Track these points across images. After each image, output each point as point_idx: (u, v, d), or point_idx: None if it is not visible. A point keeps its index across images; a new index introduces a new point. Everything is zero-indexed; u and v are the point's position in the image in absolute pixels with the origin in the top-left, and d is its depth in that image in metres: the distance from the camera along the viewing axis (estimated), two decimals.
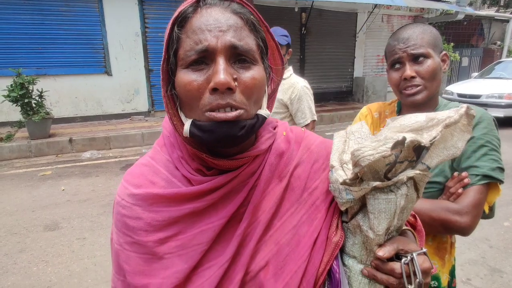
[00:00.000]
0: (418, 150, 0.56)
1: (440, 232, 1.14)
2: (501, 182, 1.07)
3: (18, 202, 4.19)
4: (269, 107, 0.68)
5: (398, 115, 1.31)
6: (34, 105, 6.20)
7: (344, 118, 9.16)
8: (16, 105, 6.10)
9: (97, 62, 7.84)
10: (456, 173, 1.09)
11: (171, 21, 0.59)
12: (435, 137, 0.54)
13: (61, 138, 6.33)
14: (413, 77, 1.13)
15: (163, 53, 0.60)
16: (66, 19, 7.35)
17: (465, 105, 0.57)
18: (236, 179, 0.63)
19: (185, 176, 0.65)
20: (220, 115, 0.56)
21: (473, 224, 1.03)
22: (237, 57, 0.58)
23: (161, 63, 0.60)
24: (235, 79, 0.56)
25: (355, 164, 0.56)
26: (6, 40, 6.98)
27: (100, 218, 3.75)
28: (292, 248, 0.64)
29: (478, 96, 8.55)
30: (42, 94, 6.30)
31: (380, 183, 0.57)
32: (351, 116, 9.19)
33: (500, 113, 8.09)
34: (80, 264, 2.93)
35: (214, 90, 0.55)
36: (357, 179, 0.59)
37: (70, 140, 6.32)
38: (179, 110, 0.62)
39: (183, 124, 0.61)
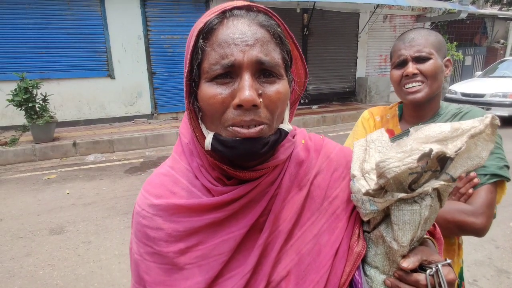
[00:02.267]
0: (443, 161, 0.56)
1: (455, 233, 1.13)
2: (509, 180, 1.08)
3: (23, 206, 4.21)
4: (289, 119, 0.68)
5: (400, 119, 1.32)
6: (38, 109, 6.23)
7: (347, 119, 9.14)
8: (20, 109, 6.13)
9: (100, 65, 7.86)
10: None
11: (196, 32, 0.57)
12: (460, 148, 0.54)
13: (65, 142, 6.36)
14: (415, 74, 1.16)
15: (187, 65, 0.59)
16: (69, 23, 7.39)
17: (490, 115, 0.57)
18: (256, 188, 0.63)
19: (205, 186, 0.65)
20: (243, 131, 0.55)
21: (488, 224, 1.03)
22: (263, 72, 0.57)
23: (184, 75, 0.59)
24: (260, 95, 0.56)
25: (380, 175, 0.56)
26: (9, 45, 7.01)
27: (105, 222, 3.76)
28: (314, 257, 0.64)
29: (482, 95, 8.51)
30: (46, 98, 6.33)
31: (405, 194, 0.56)
32: (354, 116, 9.17)
33: (505, 112, 8.05)
34: (86, 268, 2.94)
35: (239, 106, 0.54)
36: (381, 190, 0.58)
37: (74, 144, 6.34)
38: (200, 123, 0.62)
39: (204, 136, 0.61)
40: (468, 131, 0.55)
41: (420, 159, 0.53)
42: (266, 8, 0.61)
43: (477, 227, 1.02)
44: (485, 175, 1.06)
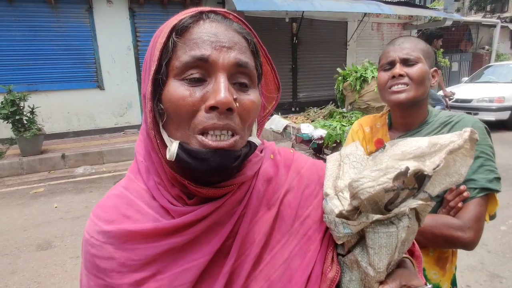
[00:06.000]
0: (420, 178, 0.52)
1: (444, 247, 1.13)
2: (498, 191, 1.07)
3: (9, 221, 4.10)
4: (257, 134, 0.64)
5: (390, 128, 1.31)
6: (25, 122, 6.14)
7: None
8: (7, 122, 6.03)
9: (89, 76, 7.80)
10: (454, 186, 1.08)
11: (168, 28, 0.54)
12: (438, 165, 0.51)
13: (53, 154, 6.25)
14: (401, 75, 1.15)
15: (155, 62, 0.52)
16: (57, 35, 7.34)
17: (468, 129, 0.54)
18: (220, 209, 0.57)
19: (164, 207, 0.58)
20: (213, 143, 0.50)
21: (476, 238, 1.02)
22: (238, 78, 0.54)
23: (151, 73, 0.52)
24: (234, 99, 0.51)
25: (354, 196, 0.53)
26: None
27: None
28: (284, 284, 0.58)
29: (469, 101, 8.64)
30: (34, 110, 6.24)
31: (381, 216, 0.52)
32: None
33: (492, 116, 8.18)
34: (73, 285, 2.86)
35: (212, 108, 0.50)
36: (355, 211, 0.55)
37: (63, 156, 6.25)
38: (161, 129, 0.55)
39: (165, 146, 0.54)
40: (446, 147, 0.52)
41: (395, 178, 0.49)
42: (242, 19, 0.59)
43: (465, 241, 1.01)
44: (475, 188, 1.05)
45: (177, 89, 0.51)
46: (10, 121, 5.98)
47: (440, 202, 1.11)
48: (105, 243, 0.58)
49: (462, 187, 1.06)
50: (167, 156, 0.53)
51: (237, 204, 0.59)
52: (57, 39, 7.36)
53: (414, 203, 0.53)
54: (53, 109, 7.51)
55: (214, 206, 0.56)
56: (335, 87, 4.84)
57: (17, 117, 5.98)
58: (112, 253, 0.57)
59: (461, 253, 3.30)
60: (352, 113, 4.43)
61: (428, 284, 0.56)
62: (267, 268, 0.58)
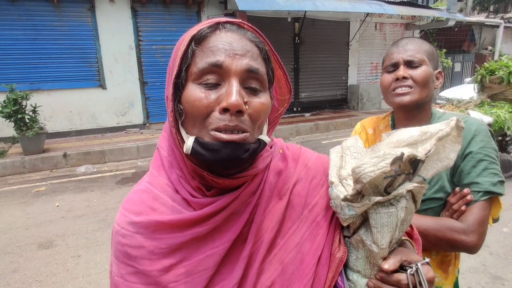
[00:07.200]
0: (414, 163, 0.58)
1: (447, 250, 1.12)
2: (502, 195, 1.06)
3: (11, 220, 4.11)
4: (269, 133, 0.69)
5: (393, 128, 1.30)
6: (27, 121, 6.16)
7: (339, 126, 9.17)
8: (9, 121, 6.05)
9: (91, 76, 7.82)
10: (457, 189, 1.07)
11: (189, 37, 0.59)
12: (429, 151, 0.57)
13: (55, 153, 6.27)
14: (405, 78, 1.14)
15: (176, 67, 0.59)
16: (59, 34, 7.36)
17: (455, 118, 0.60)
18: (237, 200, 0.63)
19: (186, 199, 0.64)
20: (226, 136, 0.56)
21: (480, 242, 1.01)
22: (249, 83, 0.59)
23: (172, 77, 0.59)
24: (245, 103, 0.57)
25: (357, 180, 0.58)
26: None
27: (96, 235, 3.69)
28: (297, 266, 0.64)
29: None
30: (36, 109, 6.26)
31: (381, 198, 0.58)
32: (347, 124, 9.20)
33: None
34: (75, 284, 2.86)
35: (225, 110, 0.55)
36: (358, 195, 0.60)
37: (65, 155, 6.26)
38: (180, 126, 0.62)
39: (184, 141, 0.61)
40: (435, 134, 0.58)
41: (393, 163, 0.55)
42: (255, 28, 0.65)
43: (468, 245, 1.00)
44: (479, 192, 1.04)
45: (194, 92, 0.57)
46: (12, 119, 6.00)
47: (444, 205, 1.10)
48: (135, 233, 0.64)
49: (466, 190, 1.05)
50: (184, 150, 0.59)
51: (252, 195, 0.66)
52: (59, 38, 7.38)
53: (410, 185, 0.59)
54: (55, 108, 7.53)
55: (231, 198, 0.62)
56: (474, 79, 5.15)
57: (19, 116, 6.00)
58: (142, 242, 0.63)
59: (462, 255, 3.28)
60: (499, 103, 4.83)
61: (426, 258, 0.62)
62: (280, 252, 0.65)
